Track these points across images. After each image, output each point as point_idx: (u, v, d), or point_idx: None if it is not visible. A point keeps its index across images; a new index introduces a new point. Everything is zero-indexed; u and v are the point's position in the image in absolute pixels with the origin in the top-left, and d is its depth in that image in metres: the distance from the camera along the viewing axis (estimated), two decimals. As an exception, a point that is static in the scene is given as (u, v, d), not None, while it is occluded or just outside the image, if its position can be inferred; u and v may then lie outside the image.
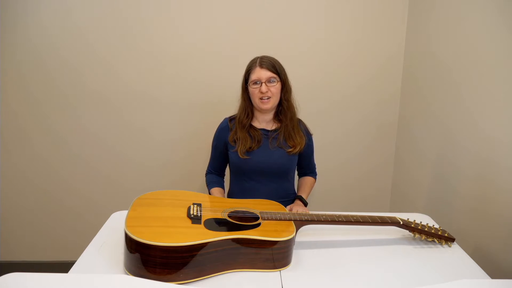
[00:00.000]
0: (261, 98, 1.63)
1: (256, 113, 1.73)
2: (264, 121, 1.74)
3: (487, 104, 1.56)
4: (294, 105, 1.74)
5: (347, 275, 1.23)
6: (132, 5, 2.13)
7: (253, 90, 1.64)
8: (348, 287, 1.18)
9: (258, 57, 1.67)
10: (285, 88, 1.69)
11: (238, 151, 1.67)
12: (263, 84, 1.62)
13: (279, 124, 1.74)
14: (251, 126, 1.72)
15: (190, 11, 2.15)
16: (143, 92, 2.24)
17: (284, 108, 1.70)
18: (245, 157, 1.66)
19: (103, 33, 2.15)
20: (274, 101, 1.66)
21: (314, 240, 1.43)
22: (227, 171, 1.84)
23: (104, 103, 2.23)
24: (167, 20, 2.16)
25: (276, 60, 1.67)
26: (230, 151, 1.72)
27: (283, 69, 1.68)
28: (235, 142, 1.70)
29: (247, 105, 1.71)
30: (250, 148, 1.67)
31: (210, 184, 1.78)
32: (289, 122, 1.71)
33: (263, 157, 1.68)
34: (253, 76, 1.63)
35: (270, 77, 1.62)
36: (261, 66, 1.63)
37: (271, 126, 1.74)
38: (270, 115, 1.73)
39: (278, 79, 1.65)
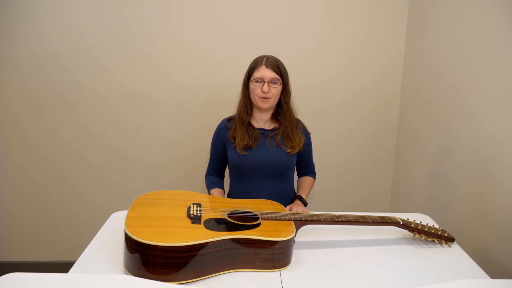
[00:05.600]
0: (260, 97, 1.64)
1: (255, 112, 1.73)
2: (262, 121, 1.74)
3: (488, 103, 1.56)
4: (293, 108, 1.74)
5: (347, 275, 1.23)
6: (132, 6, 2.13)
7: (255, 87, 1.64)
8: (348, 287, 1.18)
9: (264, 56, 1.67)
10: (286, 91, 1.69)
11: (237, 146, 1.67)
12: (266, 83, 1.62)
13: (277, 124, 1.74)
14: (249, 124, 1.72)
15: (191, 12, 2.15)
16: (143, 92, 2.24)
17: (284, 111, 1.71)
18: (244, 153, 1.66)
19: (104, 35, 2.15)
20: (272, 102, 1.66)
21: (314, 240, 1.43)
22: (227, 172, 1.84)
23: (104, 104, 2.23)
24: (168, 22, 2.16)
25: (281, 62, 1.68)
26: (229, 149, 1.72)
27: (286, 72, 1.68)
28: (234, 139, 1.70)
29: (247, 101, 1.71)
30: (247, 145, 1.67)
31: (210, 185, 1.78)
32: (288, 124, 1.71)
33: (261, 155, 1.68)
34: (257, 74, 1.63)
35: (273, 78, 1.63)
36: (267, 66, 1.63)
37: (269, 125, 1.74)
38: (268, 115, 1.73)
39: (280, 81, 1.65)
